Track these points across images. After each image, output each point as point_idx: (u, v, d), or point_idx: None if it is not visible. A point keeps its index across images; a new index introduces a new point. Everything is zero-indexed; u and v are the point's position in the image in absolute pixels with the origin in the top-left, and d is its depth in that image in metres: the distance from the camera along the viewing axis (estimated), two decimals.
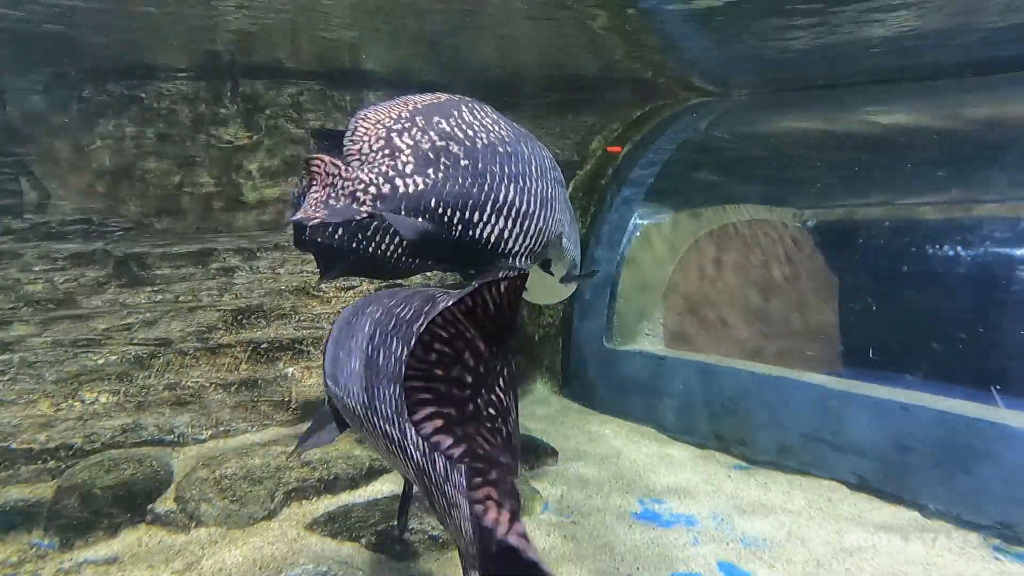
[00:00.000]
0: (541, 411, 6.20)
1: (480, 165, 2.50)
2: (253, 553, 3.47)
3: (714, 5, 4.88)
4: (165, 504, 3.83)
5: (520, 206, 2.60)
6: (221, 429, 4.43)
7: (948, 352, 5.46)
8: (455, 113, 2.59)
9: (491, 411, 1.23)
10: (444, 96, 2.69)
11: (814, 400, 4.70)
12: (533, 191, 2.68)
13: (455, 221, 2.43)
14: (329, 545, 3.56)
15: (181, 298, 5.50)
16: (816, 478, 4.64)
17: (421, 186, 2.36)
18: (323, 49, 6.09)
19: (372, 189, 2.31)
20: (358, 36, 5.77)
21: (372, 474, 4.18)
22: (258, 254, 5.98)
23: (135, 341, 4.94)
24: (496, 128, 2.68)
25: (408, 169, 2.35)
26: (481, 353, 1.21)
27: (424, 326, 1.16)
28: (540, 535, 3.85)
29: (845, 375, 5.38)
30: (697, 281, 6.73)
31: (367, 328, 1.93)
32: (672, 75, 7.23)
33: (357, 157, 2.39)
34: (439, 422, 1.18)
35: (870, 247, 7.02)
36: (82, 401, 4.46)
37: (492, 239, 2.53)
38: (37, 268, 5.62)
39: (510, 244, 2.60)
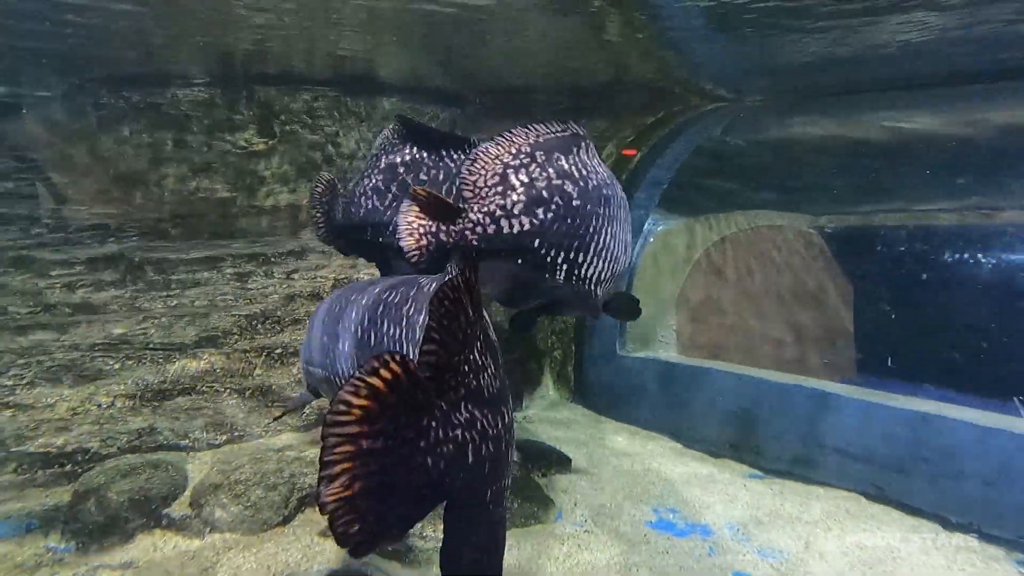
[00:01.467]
0: (553, 418, 6.18)
1: (589, 206, 2.51)
2: (268, 559, 3.47)
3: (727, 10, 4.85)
4: (180, 509, 3.84)
5: (614, 248, 2.64)
6: (236, 434, 4.44)
7: (968, 361, 5.39)
8: (574, 150, 2.59)
9: (469, 364, 1.59)
10: (568, 129, 2.66)
11: (831, 409, 4.65)
12: (625, 232, 2.72)
13: (559, 261, 2.46)
14: (343, 552, 3.55)
15: (196, 303, 5.53)
16: (833, 488, 4.59)
17: (527, 226, 2.39)
18: (337, 56, 6.12)
19: (479, 229, 2.37)
20: (372, 44, 5.80)
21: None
22: (272, 260, 6.01)
23: (151, 346, 4.98)
24: (601, 168, 2.72)
25: (517, 209, 2.39)
26: (470, 315, 1.53)
27: (439, 286, 1.47)
28: (554, 544, 3.83)
29: (860, 382, 5.33)
30: (711, 288, 6.69)
31: (354, 315, 2.11)
32: (685, 81, 7.20)
33: (471, 189, 2.43)
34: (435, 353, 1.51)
35: (887, 254, 6.95)
36: (98, 405, 4.49)
37: (591, 278, 2.55)
38: (55, 273, 5.67)
39: (601, 283, 2.63)
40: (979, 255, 5.84)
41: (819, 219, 7.85)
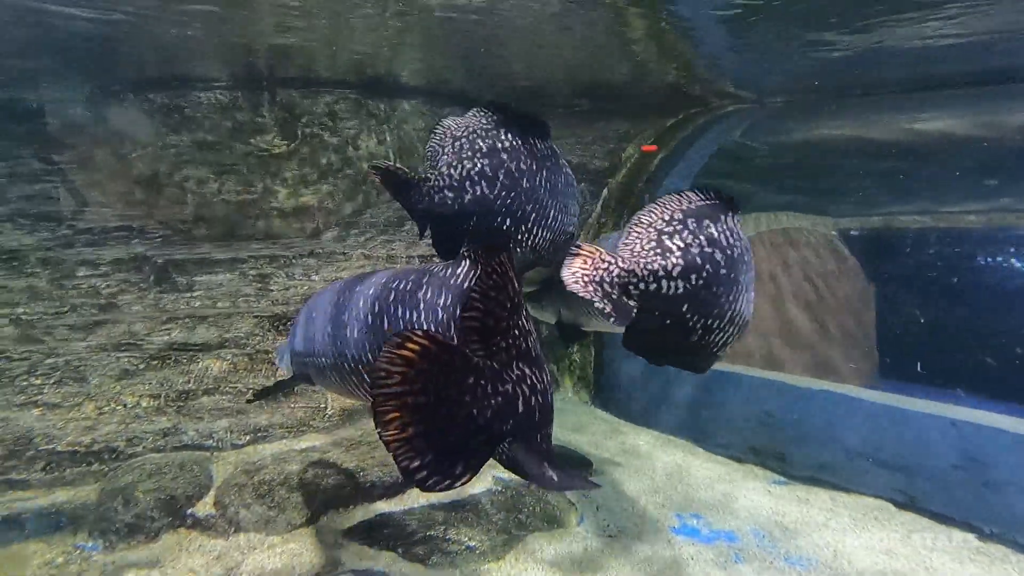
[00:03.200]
0: (574, 421, 6.14)
1: (734, 275, 2.61)
2: (292, 559, 3.48)
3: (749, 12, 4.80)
4: (205, 509, 3.86)
5: (746, 313, 2.72)
6: (259, 435, 4.46)
7: (997, 366, 5.28)
8: (722, 218, 2.67)
9: (519, 328, 1.78)
10: (715, 198, 2.74)
11: (857, 415, 4.58)
12: (751, 295, 2.78)
13: (698, 327, 2.57)
14: (367, 553, 3.55)
15: (219, 304, 5.57)
16: (860, 495, 4.51)
17: (681, 290, 2.49)
18: (358, 59, 6.15)
19: (641, 285, 2.49)
20: (392, 47, 5.82)
21: (407, 483, 4.16)
22: (294, 261, 6.04)
23: (175, 346, 5.02)
24: (743, 235, 2.77)
25: (676, 272, 2.49)
26: (517, 286, 1.74)
27: (485, 264, 1.69)
28: (577, 548, 3.80)
29: (884, 387, 5.24)
30: None
31: (362, 304, 2.26)
32: (706, 82, 7.14)
33: (631, 249, 2.56)
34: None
35: (911, 256, 6.85)
36: (124, 405, 4.53)
37: (720, 343, 2.66)
38: (80, 274, 5.74)
39: (727, 346, 2.72)
40: (1010, 258, 5.72)
41: (841, 221, 7.75)
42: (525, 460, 1.73)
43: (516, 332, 1.78)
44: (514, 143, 2.96)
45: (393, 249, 6.38)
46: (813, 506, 4.41)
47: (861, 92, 7.33)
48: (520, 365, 1.78)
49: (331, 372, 2.55)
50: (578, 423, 6.10)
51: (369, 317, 2.21)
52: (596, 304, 2.51)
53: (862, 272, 7.37)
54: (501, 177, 2.89)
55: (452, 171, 2.90)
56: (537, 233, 2.96)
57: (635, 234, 2.60)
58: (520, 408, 1.75)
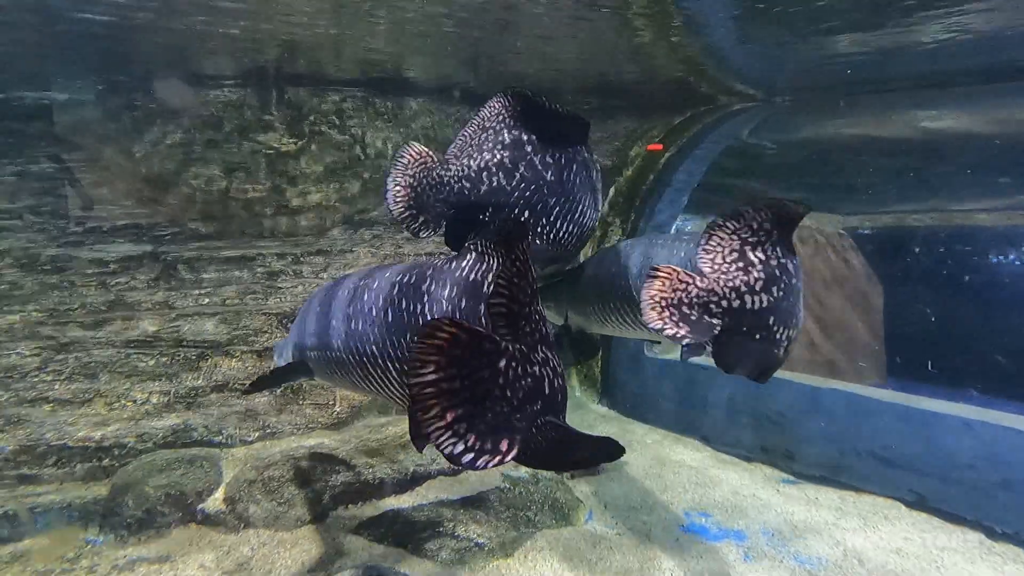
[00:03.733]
0: (580, 419, 6.14)
1: (799, 281, 2.63)
2: (302, 555, 3.49)
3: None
4: (215, 504, 3.88)
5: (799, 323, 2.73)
6: (268, 431, 4.48)
7: (1010, 365, 5.24)
8: (786, 227, 2.67)
9: (539, 313, 1.86)
10: (778, 207, 2.72)
11: (867, 414, 4.55)
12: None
13: (783, 337, 2.57)
14: (376, 549, 3.56)
15: (228, 301, 5.59)
16: (870, 495, 4.49)
17: (765, 303, 2.48)
18: (366, 58, 6.16)
19: (724, 303, 2.46)
20: (399, 45, 5.83)
21: (416, 479, 4.18)
22: (302, 259, 6.06)
23: (184, 343, 5.04)
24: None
25: (759, 286, 2.47)
26: (534, 273, 1.81)
27: (508, 254, 1.75)
28: (585, 546, 3.79)
29: (893, 386, 5.21)
30: None
31: (367, 298, 2.31)
32: (714, 80, 7.12)
33: (709, 265, 2.52)
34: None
35: (921, 255, 6.81)
36: (134, 401, 4.56)
37: (790, 351, 2.69)
38: (89, 271, 5.77)
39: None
40: (1022, 256, 5.68)
41: (850, 220, 7.71)
42: (561, 435, 1.78)
43: (537, 317, 1.83)
44: (542, 136, 2.88)
45: (401, 247, 6.38)
46: (823, 505, 4.39)
47: (871, 89, 7.29)
48: (543, 348, 1.83)
49: (335, 366, 2.59)
50: (586, 422, 6.09)
51: (374, 310, 2.25)
52: (667, 332, 2.48)
53: (871, 271, 7.33)
54: (522, 170, 2.82)
55: (471, 162, 2.85)
56: (562, 227, 2.89)
57: (712, 250, 2.56)
58: (547, 389, 1.80)
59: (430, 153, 2.98)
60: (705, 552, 3.78)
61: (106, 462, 4.14)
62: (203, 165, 6.53)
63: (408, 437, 4.18)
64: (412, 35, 5.57)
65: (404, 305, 2.11)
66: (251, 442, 4.44)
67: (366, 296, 2.33)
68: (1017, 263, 5.71)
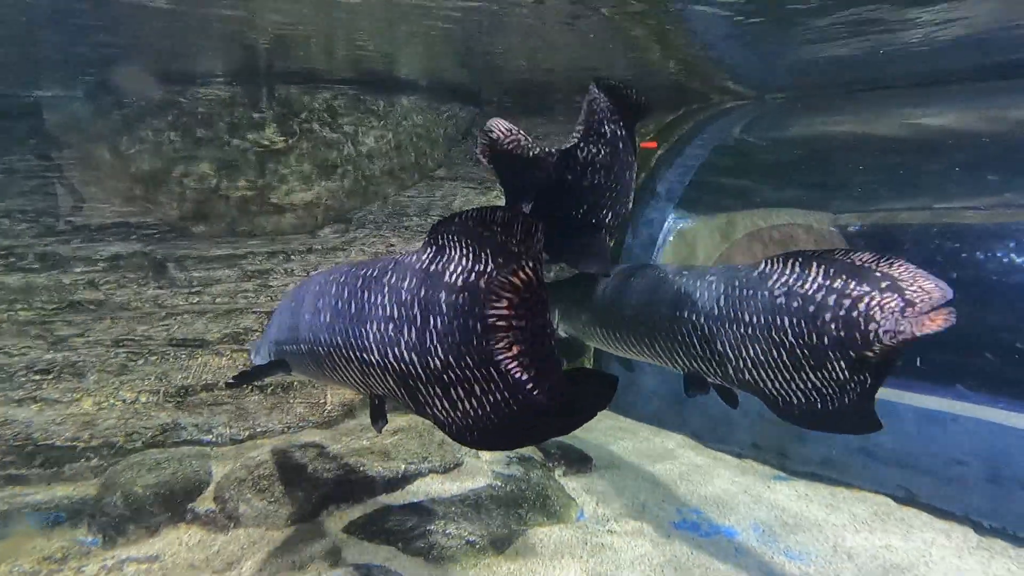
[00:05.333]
0: None
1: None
2: (292, 554, 3.47)
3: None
4: (204, 504, 3.85)
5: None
6: (258, 430, 4.46)
7: (998, 361, 5.27)
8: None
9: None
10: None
11: None
12: None
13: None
14: (367, 548, 3.55)
15: (218, 300, 5.56)
16: (860, 490, 4.51)
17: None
18: (356, 55, 6.13)
19: (897, 338, 2.40)
20: (391, 43, 5.80)
21: (407, 478, 4.17)
22: (292, 257, 6.03)
23: (173, 342, 5.01)
24: None
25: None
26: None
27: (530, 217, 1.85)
28: (577, 543, 3.80)
29: (888, 384, 5.23)
30: None
31: (335, 291, 2.39)
32: (707, 78, 7.13)
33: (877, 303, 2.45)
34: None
35: (912, 252, 6.84)
36: (123, 400, 4.53)
37: None
38: (78, 270, 5.73)
39: None
40: (1011, 253, 5.72)
41: (841, 217, 7.74)
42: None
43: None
44: (623, 131, 2.82)
45: (392, 245, 6.36)
46: (813, 502, 4.41)
47: (863, 87, 7.31)
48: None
49: (309, 359, 2.65)
50: None
51: (339, 303, 2.33)
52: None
53: None
54: (615, 168, 2.78)
55: (579, 153, 2.76)
56: (620, 212, 2.88)
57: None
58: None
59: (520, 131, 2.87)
60: (697, 548, 3.79)
61: (95, 462, 4.11)
62: (193, 163, 6.49)
63: (399, 436, 4.17)
64: (404, 33, 5.55)
65: (367, 297, 2.19)
66: (241, 441, 4.42)
67: (333, 290, 2.40)
68: (1005, 260, 5.75)
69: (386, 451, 4.25)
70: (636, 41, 5.80)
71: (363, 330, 2.16)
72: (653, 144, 7.43)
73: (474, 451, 4.54)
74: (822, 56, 6.06)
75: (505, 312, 1.79)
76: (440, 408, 1.96)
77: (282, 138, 6.60)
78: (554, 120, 7.95)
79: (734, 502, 4.39)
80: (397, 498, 4.02)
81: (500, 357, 1.78)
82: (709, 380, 3.15)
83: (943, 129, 6.87)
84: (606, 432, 5.73)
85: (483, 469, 4.38)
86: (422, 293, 1.97)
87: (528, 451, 4.79)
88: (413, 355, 1.97)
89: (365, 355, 2.16)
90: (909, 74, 6.72)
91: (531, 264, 1.80)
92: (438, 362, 1.91)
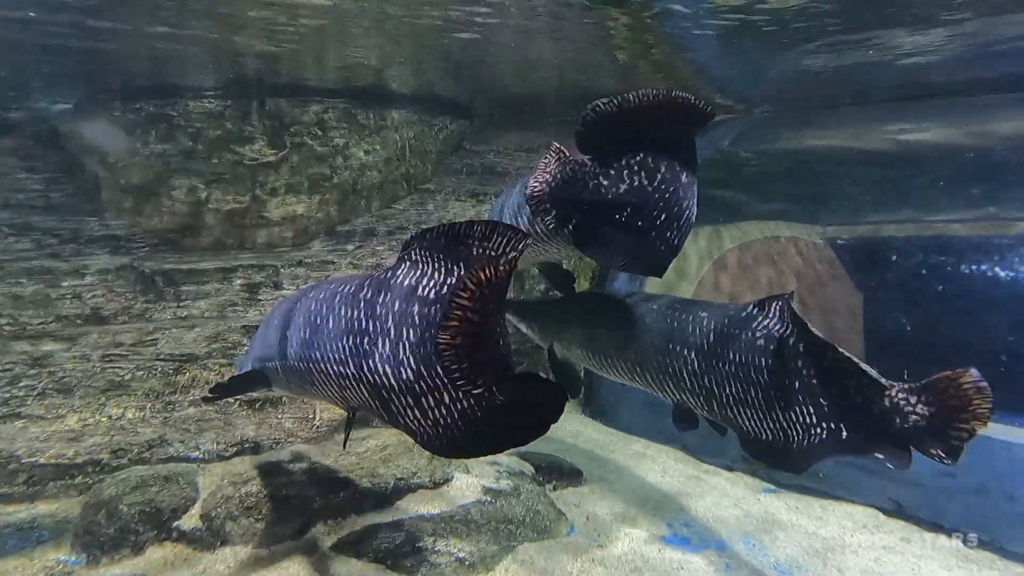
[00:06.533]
0: (563, 430, 6.13)
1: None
2: (280, 572, 3.44)
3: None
4: (191, 521, 3.80)
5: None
6: (247, 446, 4.42)
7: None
8: None
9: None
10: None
11: None
12: None
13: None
14: (355, 566, 3.51)
15: (207, 314, 5.53)
16: (849, 503, 4.52)
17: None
18: (347, 68, 6.16)
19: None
20: (381, 57, 5.84)
21: (397, 493, 4.14)
22: (282, 271, 6.01)
23: (161, 357, 4.97)
24: None
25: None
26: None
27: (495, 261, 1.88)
28: (567, 558, 3.78)
29: None
30: (720, 298, 6.65)
31: (312, 307, 2.45)
32: (695, 92, 7.22)
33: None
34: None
35: (897, 264, 6.91)
36: (109, 416, 4.48)
37: None
38: (65, 284, 5.68)
39: None
40: (994, 266, 5.79)
41: (829, 230, 7.82)
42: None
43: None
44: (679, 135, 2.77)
45: (382, 258, 6.36)
46: (803, 514, 4.42)
47: (849, 102, 7.42)
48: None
49: (290, 374, 2.70)
50: (570, 432, 6.08)
51: (317, 318, 2.40)
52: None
53: (851, 280, 7.43)
54: (663, 170, 2.72)
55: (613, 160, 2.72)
56: (683, 229, 2.81)
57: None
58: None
59: (568, 151, 2.87)
60: (687, 563, 3.78)
61: (79, 479, 4.06)
62: (183, 176, 6.48)
63: (388, 451, 4.17)
64: (394, 47, 5.58)
65: (343, 312, 2.25)
66: (229, 457, 4.37)
67: (312, 306, 2.47)
68: (988, 272, 5.82)
69: (375, 467, 4.22)
70: (622, 56, 5.86)
71: (339, 344, 2.22)
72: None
73: (464, 467, 4.52)
74: (809, 71, 6.16)
75: (466, 303, 1.84)
76: (412, 418, 2.01)
77: (272, 151, 6.60)
78: (546, 133, 8.01)
79: (725, 515, 4.39)
80: (386, 515, 3.98)
81: (440, 342, 1.84)
82: (697, 412, 3.21)
83: (928, 143, 6.97)
84: (597, 446, 5.72)
85: (473, 484, 4.36)
86: (396, 307, 2.04)
87: (518, 466, 4.77)
88: (387, 367, 2.02)
89: (342, 368, 2.21)
90: (894, 88, 6.84)
91: (501, 266, 1.85)
92: (411, 373, 1.96)
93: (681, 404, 3.29)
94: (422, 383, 1.94)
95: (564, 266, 4.42)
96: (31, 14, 4.56)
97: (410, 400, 1.99)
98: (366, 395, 2.16)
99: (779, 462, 2.75)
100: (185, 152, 6.45)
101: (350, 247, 6.62)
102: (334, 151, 6.79)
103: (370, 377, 2.08)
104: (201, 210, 6.55)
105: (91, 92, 6.56)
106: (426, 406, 1.96)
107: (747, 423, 2.83)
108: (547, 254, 3.78)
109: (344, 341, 2.20)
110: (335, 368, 2.26)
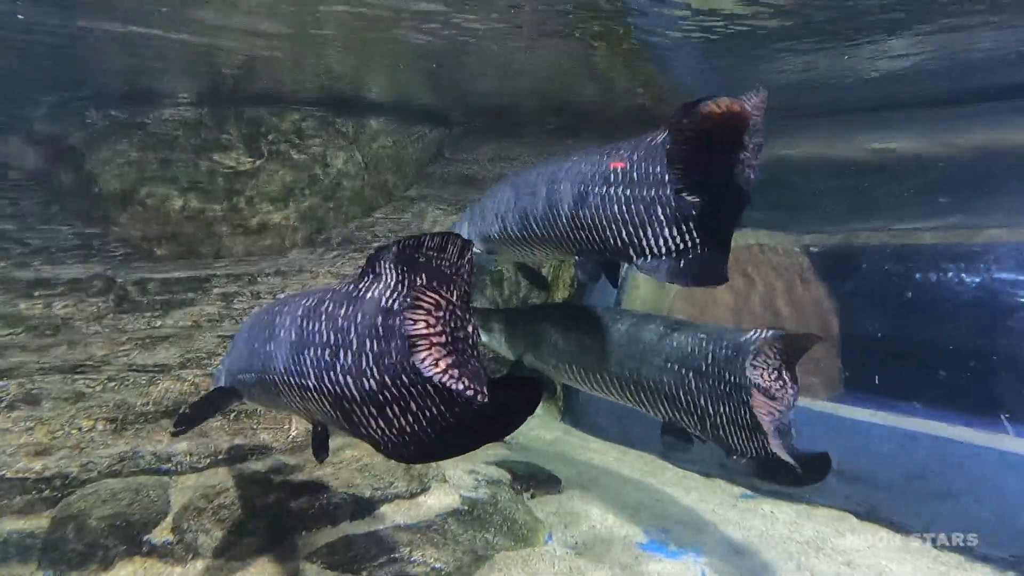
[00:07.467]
0: (542, 437, 6.13)
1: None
2: None
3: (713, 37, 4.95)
4: (162, 535, 3.74)
5: None
6: (220, 457, 4.35)
7: (952, 378, 5.44)
8: None
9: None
10: None
11: (821, 428, 4.65)
12: None
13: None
14: None
15: (181, 324, 5.46)
16: (824, 507, 4.58)
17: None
18: (325, 77, 6.15)
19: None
20: (359, 64, 5.84)
21: (373, 504, 4.10)
22: (258, 279, 5.96)
23: (133, 367, 4.89)
24: None
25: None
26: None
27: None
28: (544, 566, 3.77)
29: (847, 400, 5.35)
30: (699, 306, 6.72)
31: (277, 321, 2.49)
32: (672, 103, 7.30)
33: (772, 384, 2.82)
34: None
35: (871, 272, 7.03)
36: (79, 429, 4.39)
37: None
38: (36, 293, 5.58)
39: None
40: (962, 273, 5.92)
41: (804, 238, 7.93)
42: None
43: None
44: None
45: (360, 267, 6.34)
46: (778, 519, 4.46)
47: (823, 113, 7.56)
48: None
49: (259, 387, 2.73)
50: (547, 439, 6.09)
51: (280, 331, 2.44)
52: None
53: (825, 288, 7.54)
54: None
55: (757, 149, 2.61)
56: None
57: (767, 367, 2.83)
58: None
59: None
60: (663, 569, 3.80)
61: (47, 493, 3.97)
62: (158, 184, 6.41)
63: (364, 461, 4.16)
64: (373, 55, 5.59)
65: (306, 324, 2.28)
66: (202, 469, 4.31)
67: (277, 320, 2.51)
68: (956, 280, 5.95)
69: (352, 477, 4.19)
70: (599, 65, 5.92)
71: (301, 356, 2.25)
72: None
73: (441, 475, 4.50)
74: (784, 81, 6.27)
75: (423, 330, 1.88)
76: (375, 427, 2.03)
77: (249, 159, 6.56)
78: (523, 142, 8.05)
79: (701, 522, 4.42)
80: (362, 525, 3.95)
81: (429, 373, 1.86)
82: (689, 431, 3.30)
83: (899, 153, 7.12)
84: (575, 453, 5.73)
85: (450, 493, 4.34)
86: (359, 319, 2.06)
87: (496, 474, 4.77)
88: (348, 378, 2.04)
89: (303, 380, 2.23)
90: (867, 99, 6.98)
91: (449, 283, 1.91)
92: (374, 383, 1.97)
93: (672, 422, 3.34)
94: (386, 393, 1.95)
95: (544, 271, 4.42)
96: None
97: (373, 410, 2.00)
98: (327, 406, 2.17)
99: (796, 479, 2.88)
100: (160, 160, 6.38)
101: (328, 256, 6.59)
102: (312, 159, 6.77)
103: (331, 388, 2.10)
104: (177, 218, 6.48)
105: (64, 98, 6.46)
106: (391, 415, 1.97)
107: (733, 440, 2.97)
108: (526, 255, 3.79)
109: (306, 353, 2.22)
110: (297, 380, 2.28)
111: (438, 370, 1.86)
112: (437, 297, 1.91)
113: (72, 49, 5.17)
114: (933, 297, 6.21)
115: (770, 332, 2.92)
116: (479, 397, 1.86)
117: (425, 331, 1.88)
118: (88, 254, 6.22)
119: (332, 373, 2.09)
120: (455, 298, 1.93)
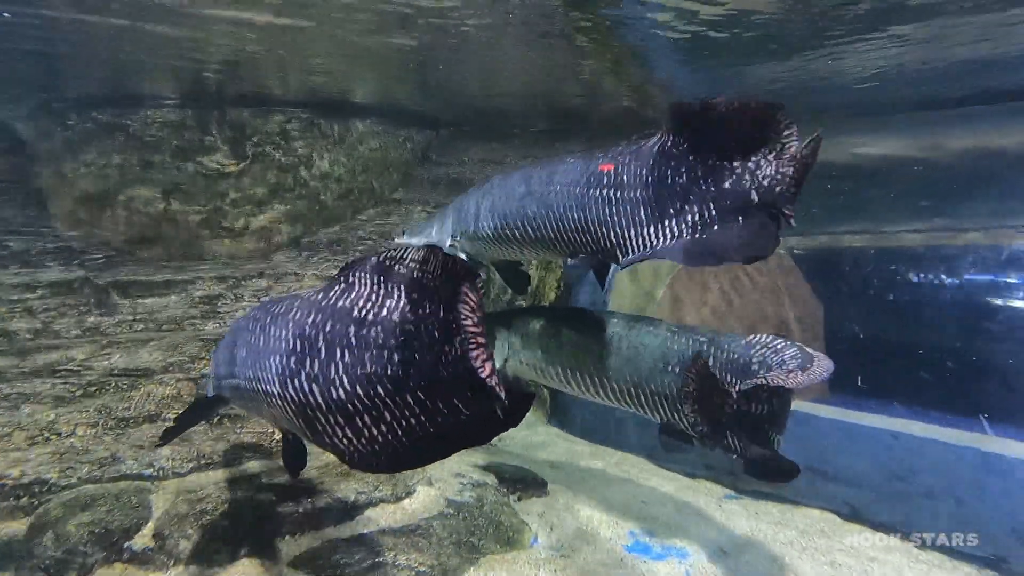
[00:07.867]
0: (529, 440, 6.13)
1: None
2: None
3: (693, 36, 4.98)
4: (143, 541, 3.69)
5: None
6: (203, 462, 4.30)
7: (934, 379, 5.49)
8: None
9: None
10: None
11: (804, 429, 4.68)
12: None
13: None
14: None
15: (164, 327, 5.40)
16: (808, 508, 4.61)
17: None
18: (310, 78, 6.12)
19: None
20: (345, 67, 5.81)
21: (357, 508, 4.08)
22: (243, 282, 5.91)
23: (115, 372, 4.83)
24: None
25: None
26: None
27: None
28: (530, 569, 3.77)
29: (831, 402, 5.39)
30: (684, 309, 6.75)
31: (251, 327, 2.48)
32: (659, 106, 7.34)
33: None
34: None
35: (854, 274, 7.10)
36: (58, 434, 4.33)
37: None
38: (15, 297, 5.50)
39: None
40: (943, 275, 5.99)
41: (789, 240, 7.99)
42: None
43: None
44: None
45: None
46: (763, 520, 4.48)
47: (809, 117, 7.63)
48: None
49: (237, 392, 2.72)
50: (533, 441, 6.09)
51: (252, 337, 2.45)
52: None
53: (811, 290, 7.60)
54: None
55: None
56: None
57: None
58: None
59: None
60: (648, 571, 3.80)
61: (24, 500, 3.91)
62: (140, 186, 6.34)
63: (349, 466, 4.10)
64: (359, 57, 5.57)
65: (274, 332, 2.27)
66: (184, 474, 4.26)
67: (250, 325, 2.52)
68: (936, 281, 6.02)
69: (336, 481, 4.16)
70: (586, 69, 5.94)
71: (267, 363, 2.24)
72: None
73: (427, 479, 4.48)
74: (767, 85, 6.33)
75: (478, 329, 1.83)
76: (341, 437, 1.99)
77: (233, 161, 6.52)
78: (511, 145, 8.06)
79: (686, 523, 4.43)
80: (346, 530, 3.92)
81: (483, 375, 1.80)
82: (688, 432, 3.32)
83: (881, 157, 7.20)
84: (562, 455, 5.73)
85: (435, 497, 4.32)
86: (327, 327, 2.03)
87: (482, 477, 4.75)
88: (314, 386, 2.01)
89: (268, 387, 2.22)
90: (848, 103, 7.06)
91: (432, 297, 1.87)
92: (343, 393, 1.94)
93: (670, 424, 3.34)
94: (356, 403, 1.92)
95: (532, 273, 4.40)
96: None
97: (340, 419, 1.97)
98: (290, 414, 2.15)
99: (774, 476, 3.08)
100: (143, 162, 6.32)
101: (313, 259, 6.55)
102: (297, 161, 6.73)
103: (294, 396, 2.07)
104: (160, 221, 6.42)
105: (44, 100, 6.39)
106: (360, 425, 1.94)
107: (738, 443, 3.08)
108: (509, 254, 3.78)
109: (272, 360, 2.20)
110: (263, 387, 2.27)
111: (487, 372, 1.79)
112: (477, 297, 1.85)
113: (54, 46, 5.11)
114: (914, 299, 6.28)
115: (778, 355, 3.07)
116: (500, 405, 1.81)
117: (473, 329, 1.81)
118: (69, 257, 6.14)
119: (296, 381, 2.06)
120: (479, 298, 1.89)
